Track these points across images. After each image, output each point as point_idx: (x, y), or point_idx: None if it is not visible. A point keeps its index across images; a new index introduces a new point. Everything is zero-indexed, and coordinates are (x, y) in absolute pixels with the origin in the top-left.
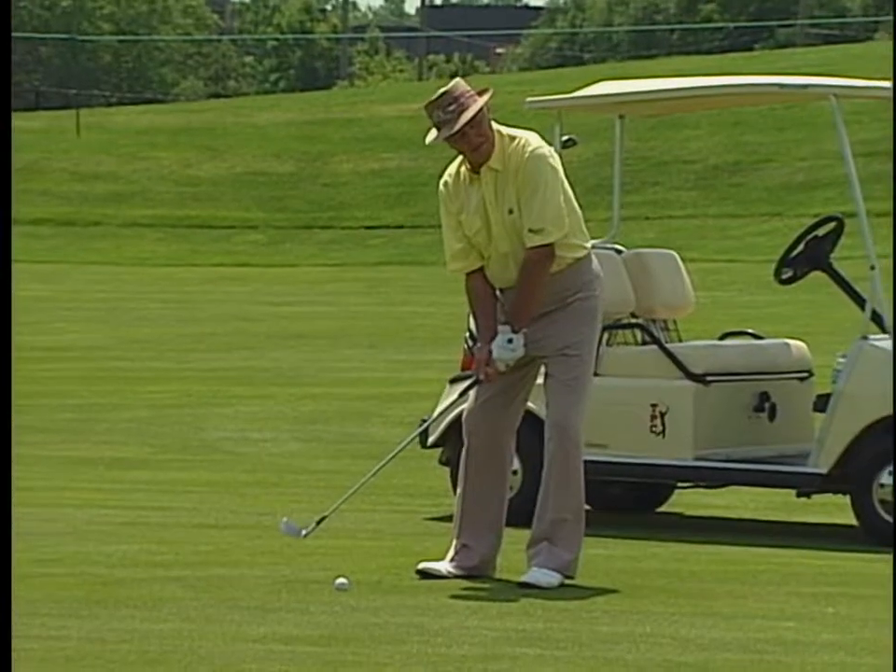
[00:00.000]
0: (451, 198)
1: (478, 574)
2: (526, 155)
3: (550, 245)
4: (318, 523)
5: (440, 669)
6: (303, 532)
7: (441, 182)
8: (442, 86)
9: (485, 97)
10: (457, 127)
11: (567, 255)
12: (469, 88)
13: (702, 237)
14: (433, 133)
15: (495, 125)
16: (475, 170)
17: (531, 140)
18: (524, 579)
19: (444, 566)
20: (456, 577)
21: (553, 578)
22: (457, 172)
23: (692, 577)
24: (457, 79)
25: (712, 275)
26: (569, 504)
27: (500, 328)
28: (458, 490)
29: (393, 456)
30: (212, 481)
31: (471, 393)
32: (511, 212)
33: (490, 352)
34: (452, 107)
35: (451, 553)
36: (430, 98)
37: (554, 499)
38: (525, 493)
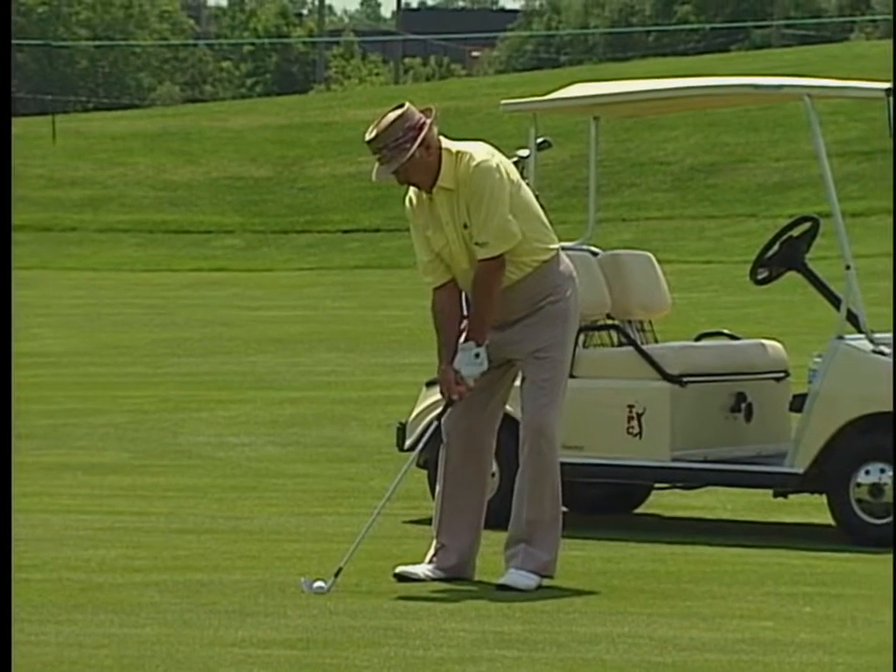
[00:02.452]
0: (416, 214)
1: (456, 575)
2: (471, 170)
3: (498, 258)
4: (336, 575)
5: None
6: (325, 587)
7: (407, 199)
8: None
9: (420, 136)
10: (393, 168)
11: (531, 259)
12: (409, 121)
13: (678, 238)
14: (375, 169)
15: (445, 142)
16: (428, 192)
17: (476, 154)
18: (501, 581)
19: (422, 569)
20: (434, 580)
21: (530, 580)
22: (418, 191)
23: (669, 578)
24: (401, 110)
25: (688, 276)
26: (546, 505)
27: (462, 345)
28: (437, 490)
29: (398, 482)
30: (190, 485)
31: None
32: (465, 226)
33: (456, 371)
34: (387, 149)
35: (429, 555)
36: (369, 135)
37: (530, 500)
38: (503, 495)
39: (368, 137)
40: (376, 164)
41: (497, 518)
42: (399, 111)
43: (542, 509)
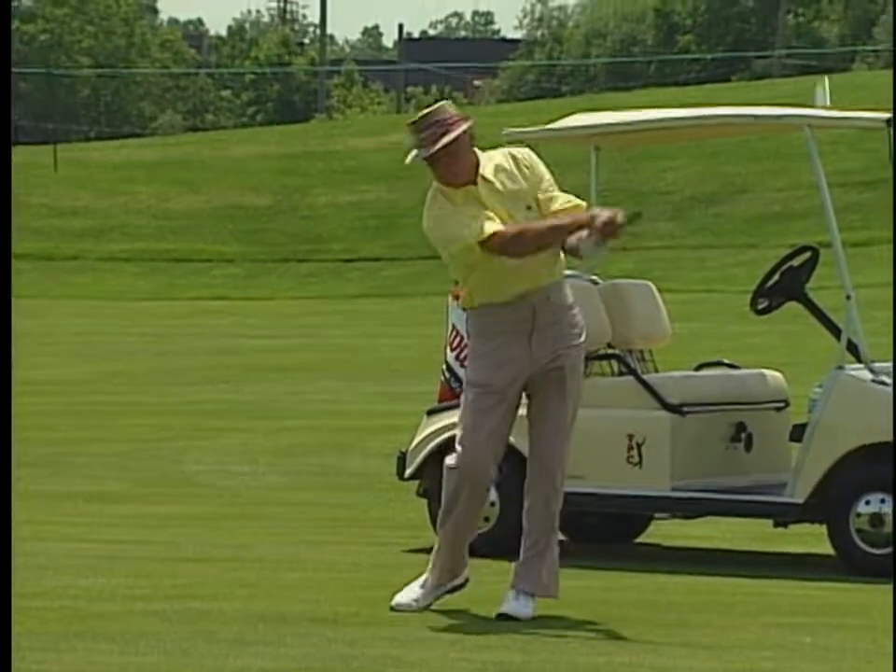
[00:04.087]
0: (448, 201)
1: (456, 590)
2: (524, 155)
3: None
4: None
5: None
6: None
7: (435, 191)
8: None
9: (466, 124)
10: (434, 150)
11: (561, 266)
12: (453, 112)
13: (679, 268)
14: (413, 153)
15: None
16: (464, 184)
17: (513, 150)
18: (502, 610)
19: (416, 598)
20: (427, 608)
21: (528, 608)
22: (439, 200)
23: (669, 607)
24: (443, 103)
25: (689, 306)
26: (546, 530)
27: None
28: (447, 518)
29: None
30: (190, 514)
31: (467, 423)
32: (529, 208)
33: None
34: (430, 130)
35: (433, 580)
36: (412, 118)
37: (537, 528)
38: (503, 525)
39: (415, 118)
40: (413, 150)
41: (498, 547)
42: (441, 103)
43: (550, 539)
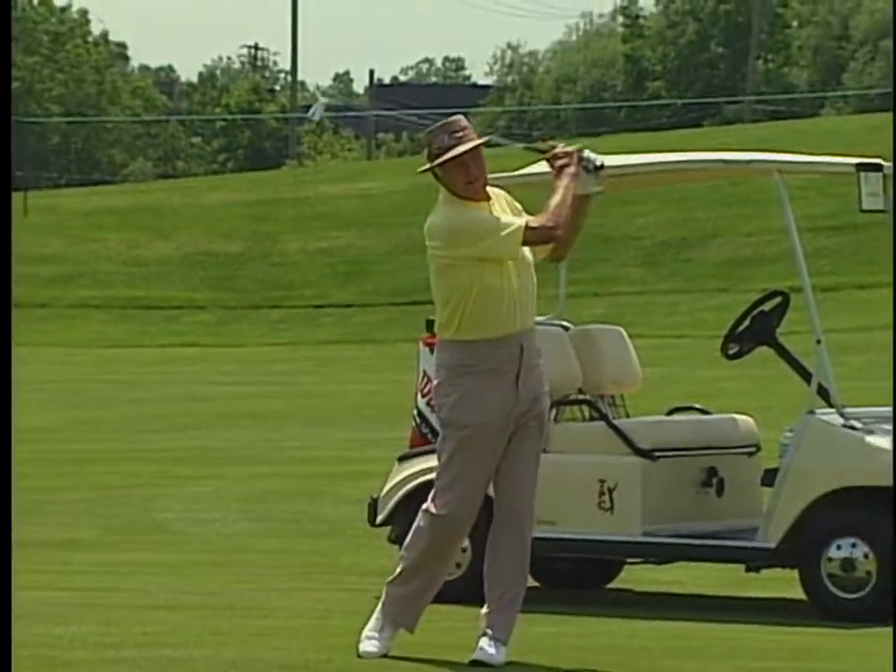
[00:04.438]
0: (466, 209)
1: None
2: (506, 194)
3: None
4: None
5: None
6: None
7: (448, 197)
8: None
9: (481, 139)
10: (472, 145)
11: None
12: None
13: (649, 313)
14: (453, 151)
15: None
16: (478, 199)
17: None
18: (475, 657)
19: (378, 645)
20: (387, 655)
21: (501, 655)
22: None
23: (642, 653)
24: (459, 116)
25: (660, 351)
26: (519, 577)
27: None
28: (425, 564)
29: None
30: (160, 561)
31: (456, 470)
32: None
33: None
34: (460, 134)
35: (387, 629)
36: (433, 126)
37: (517, 578)
38: (475, 571)
39: (442, 122)
40: (436, 156)
41: (472, 594)
42: (458, 116)
43: (517, 581)
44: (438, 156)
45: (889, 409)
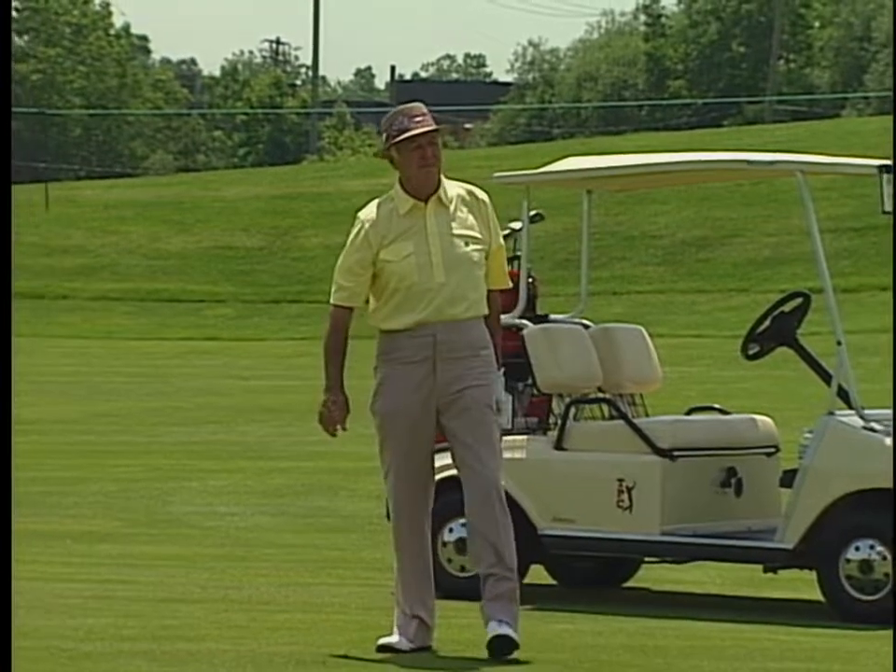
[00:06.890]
0: (378, 225)
1: (428, 644)
2: (484, 199)
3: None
4: None
5: None
6: None
7: (363, 219)
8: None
9: (440, 126)
10: (430, 128)
11: (484, 305)
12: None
13: (669, 312)
14: (410, 132)
15: None
16: (422, 199)
17: (476, 189)
18: (489, 636)
19: (403, 640)
20: (416, 649)
21: (510, 630)
22: (382, 207)
23: (658, 652)
24: (418, 102)
25: (680, 350)
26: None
27: (500, 375)
28: (400, 564)
29: None
30: (179, 554)
31: (385, 462)
32: (467, 244)
33: (497, 401)
34: (419, 118)
35: (406, 628)
36: (392, 111)
37: (508, 551)
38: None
39: (402, 107)
40: (418, 128)
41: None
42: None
43: (512, 563)
44: (395, 137)
45: None
